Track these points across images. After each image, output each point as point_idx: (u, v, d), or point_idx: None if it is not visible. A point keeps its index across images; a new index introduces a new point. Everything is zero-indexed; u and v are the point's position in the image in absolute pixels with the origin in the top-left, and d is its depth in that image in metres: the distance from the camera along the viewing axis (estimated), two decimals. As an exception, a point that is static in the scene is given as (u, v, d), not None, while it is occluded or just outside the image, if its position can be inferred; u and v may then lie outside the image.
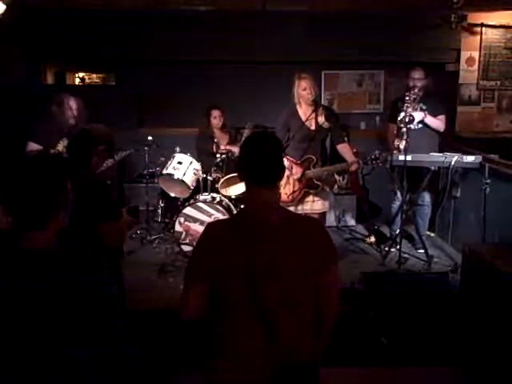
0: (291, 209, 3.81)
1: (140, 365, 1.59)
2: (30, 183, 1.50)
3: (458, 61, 5.94)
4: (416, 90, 4.60)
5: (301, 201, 4.17)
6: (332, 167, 4.28)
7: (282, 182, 3.86)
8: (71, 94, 4.30)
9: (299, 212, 4.05)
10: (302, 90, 4.09)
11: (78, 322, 1.46)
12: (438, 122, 4.72)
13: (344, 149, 4.26)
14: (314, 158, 4.13)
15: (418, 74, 4.69)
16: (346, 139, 4.39)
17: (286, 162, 3.93)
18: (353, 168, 4.18)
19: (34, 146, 4.13)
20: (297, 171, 4.08)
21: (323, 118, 4.13)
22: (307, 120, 4.12)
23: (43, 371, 1.45)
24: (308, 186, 4.13)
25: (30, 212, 1.50)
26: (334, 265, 1.85)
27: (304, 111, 4.17)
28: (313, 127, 4.15)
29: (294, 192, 4.11)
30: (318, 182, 4.12)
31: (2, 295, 1.45)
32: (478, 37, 5.86)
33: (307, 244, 1.77)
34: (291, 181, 4.09)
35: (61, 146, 4.25)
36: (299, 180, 4.10)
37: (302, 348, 1.75)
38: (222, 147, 5.14)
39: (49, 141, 4.13)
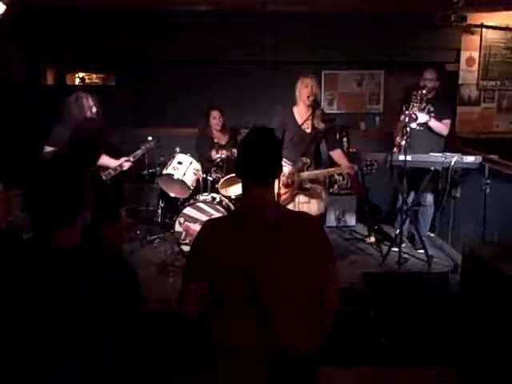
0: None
1: (158, 360, 1.62)
2: (55, 182, 1.52)
3: (458, 61, 5.94)
4: (425, 91, 4.60)
5: (296, 203, 4.15)
6: (325, 171, 4.22)
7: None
8: (85, 91, 4.15)
9: None
10: (305, 86, 4.05)
11: (107, 318, 1.49)
12: (441, 127, 4.71)
13: (338, 155, 4.23)
14: (307, 160, 4.11)
15: (430, 75, 4.68)
16: (339, 145, 4.40)
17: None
18: (349, 172, 4.19)
19: (48, 149, 4.04)
20: (290, 173, 4.07)
21: (319, 121, 4.10)
22: (303, 123, 4.08)
23: (72, 365, 1.48)
24: (299, 189, 4.12)
25: (57, 211, 1.52)
26: (332, 262, 1.85)
27: (300, 112, 4.13)
28: (308, 130, 4.12)
29: (285, 193, 4.08)
30: (310, 185, 4.11)
31: (34, 294, 1.47)
32: (478, 37, 5.87)
33: (304, 241, 1.78)
34: (283, 182, 4.07)
35: None
36: (291, 182, 4.09)
37: (300, 344, 1.76)
38: (214, 153, 5.14)
39: (63, 143, 3.99)
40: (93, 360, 1.48)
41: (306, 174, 4.09)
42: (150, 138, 5.10)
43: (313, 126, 4.10)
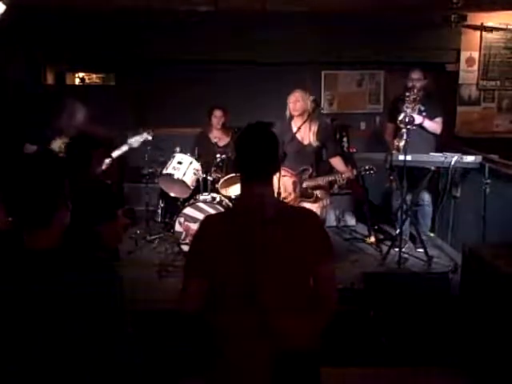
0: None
1: (141, 366, 1.60)
2: (32, 182, 1.51)
3: (458, 61, 5.93)
4: (415, 91, 4.60)
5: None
6: (326, 177, 4.29)
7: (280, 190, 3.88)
8: (75, 100, 4.25)
9: None
10: (291, 102, 4.20)
11: (85, 321, 1.47)
12: (435, 126, 4.72)
13: (337, 162, 4.33)
14: (310, 168, 4.22)
15: (417, 75, 4.70)
16: (338, 152, 4.52)
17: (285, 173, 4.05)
18: (349, 177, 4.24)
19: (30, 148, 4.15)
20: (293, 181, 4.16)
21: (315, 135, 4.19)
22: (298, 132, 4.17)
23: (49, 370, 1.46)
24: (303, 196, 4.22)
25: (33, 211, 1.51)
26: (330, 257, 1.85)
27: (296, 124, 4.23)
28: (306, 142, 4.22)
29: (288, 201, 4.14)
30: (313, 192, 4.20)
31: (10, 296, 1.45)
32: (478, 37, 5.86)
33: (302, 236, 1.78)
34: (287, 191, 4.16)
35: (56, 145, 4.21)
36: (294, 190, 4.19)
37: (300, 341, 1.76)
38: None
39: (44, 141, 4.15)
40: (64, 362, 1.45)
41: (308, 183, 4.19)
42: (149, 138, 4.97)
43: (309, 139, 4.22)
